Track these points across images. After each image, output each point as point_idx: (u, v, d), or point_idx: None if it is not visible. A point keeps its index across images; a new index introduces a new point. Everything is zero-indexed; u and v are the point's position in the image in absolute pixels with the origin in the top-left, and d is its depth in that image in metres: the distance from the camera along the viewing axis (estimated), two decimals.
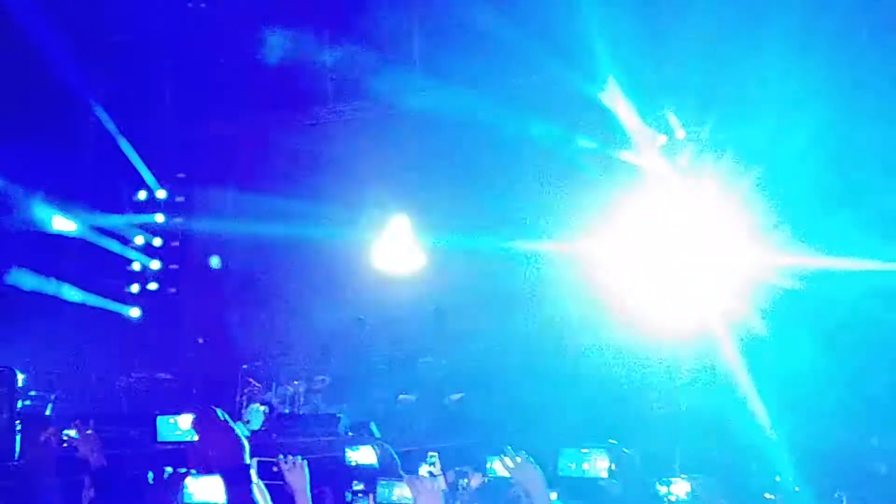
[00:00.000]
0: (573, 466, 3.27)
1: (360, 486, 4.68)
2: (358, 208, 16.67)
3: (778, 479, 7.18)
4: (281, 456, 3.50)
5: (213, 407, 2.25)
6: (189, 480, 3.52)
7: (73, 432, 4.02)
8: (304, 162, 16.87)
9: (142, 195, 18.91)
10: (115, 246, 18.29)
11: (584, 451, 3.31)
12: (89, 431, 3.92)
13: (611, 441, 2.95)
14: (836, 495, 4.81)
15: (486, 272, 14.75)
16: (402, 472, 4.46)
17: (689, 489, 3.39)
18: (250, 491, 2.14)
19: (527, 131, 14.44)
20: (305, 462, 3.64)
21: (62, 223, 16.47)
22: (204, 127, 18.92)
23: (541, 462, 3.33)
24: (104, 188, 17.85)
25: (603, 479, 3.15)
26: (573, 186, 14.43)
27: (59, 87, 16.05)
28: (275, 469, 3.60)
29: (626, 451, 2.96)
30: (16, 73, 15.26)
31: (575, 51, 13.16)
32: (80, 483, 3.89)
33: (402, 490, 3.87)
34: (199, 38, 17.04)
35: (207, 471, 3.49)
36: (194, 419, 2.24)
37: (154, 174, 18.75)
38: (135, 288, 18.63)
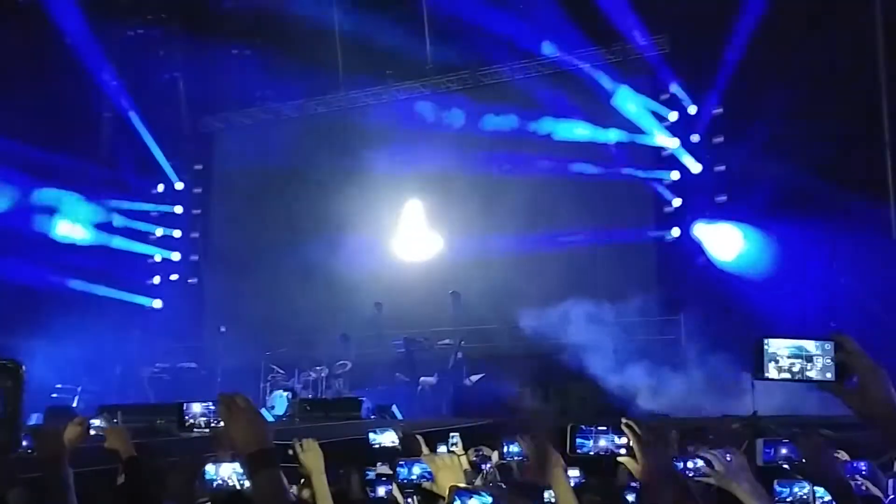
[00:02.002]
0: (590, 444, 3.27)
1: (385, 469, 4.72)
2: (375, 193, 16.75)
3: None
4: (295, 438, 3.50)
5: (238, 392, 2.29)
6: (211, 466, 3.60)
7: (97, 421, 4.11)
8: (322, 149, 16.93)
9: (160, 187, 19.06)
10: (135, 238, 18.45)
11: (601, 428, 3.31)
12: (116, 421, 4.01)
13: (627, 419, 2.96)
14: None
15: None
16: (424, 451, 4.51)
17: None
18: (275, 476, 2.19)
19: None
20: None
21: (69, 229, 16.56)
22: (221, 118, 19.06)
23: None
24: (123, 180, 17.98)
25: (622, 455, 3.15)
26: None
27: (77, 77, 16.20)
28: (290, 452, 3.62)
29: (644, 426, 2.98)
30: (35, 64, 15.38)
31: None
32: (106, 472, 3.98)
33: (421, 468, 3.90)
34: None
35: (231, 456, 3.57)
36: (219, 405, 2.28)
37: (172, 166, 18.89)
38: (156, 279, 18.83)
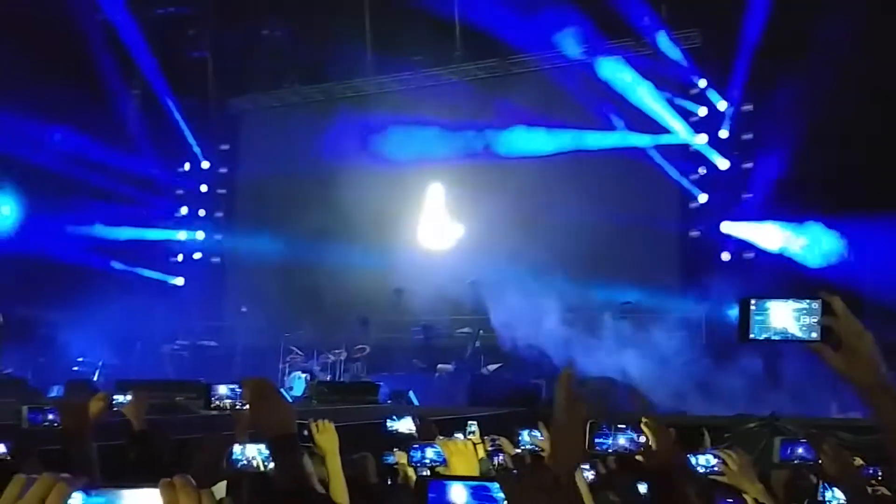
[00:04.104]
0: (609, 441, 3.26)
1: (402, 456, 4.74)
2: (400, 179, 16.78)
3: None
4: (311, 419, 3.51)
5: (263, 377, 2.32)
6: (238, 446, 3.64)
7: (121, 397, 4.16)
8: (347, 132, 16.95)
9: (186, 166, 19.18)
10: (161, 215, 18.61)
11: (620, 426, 3.30)
12: (141, 396, 4.06)
13: (644, 417, 2.96)
14: None
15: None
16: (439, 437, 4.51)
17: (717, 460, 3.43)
18: (299, 459, 2.21)
19: None
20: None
21: None
22: (249, 99, 19.13)
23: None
24: (148, 159, 18.10)
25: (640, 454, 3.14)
26: None
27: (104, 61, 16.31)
28: (305, 432, 3.63)
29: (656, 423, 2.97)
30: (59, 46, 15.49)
31: None
32: (121, 448, 4.03)
33: (434, 452, 3.91)
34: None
35: (255, 438, 3.61)
36: (244, 388, 2.31)
37: (199, 145, 19.00)
38: (179, 258, 18.98)
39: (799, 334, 1.89)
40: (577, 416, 2.03)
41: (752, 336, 1.91)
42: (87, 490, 1.41)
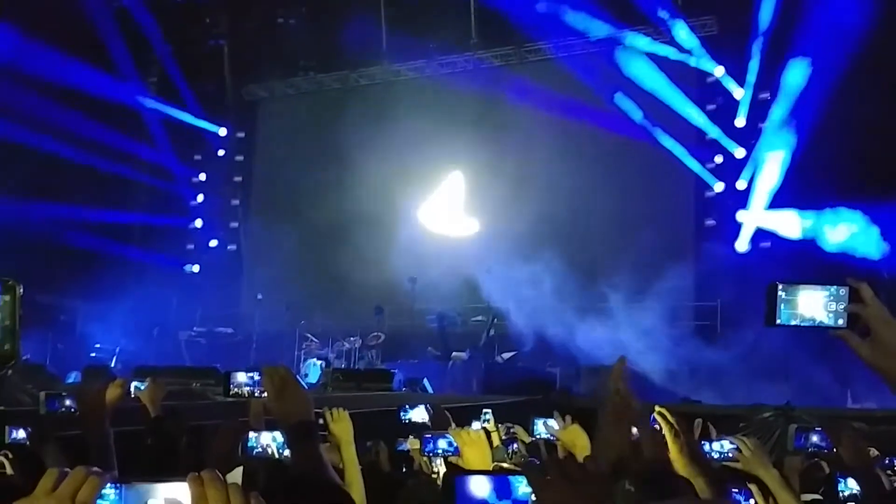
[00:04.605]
0: None
1: (416, 443, 4.75)
2: (415, 167, 16.78)
3: None
4: (326, 407, 3.52)
5: (282, 365, 2.34)
6: (253, 434, 3.67)
7: (139, 384, 4.20)
8: (363, 120, 16.96)
9: (202, 154, 19.24)
10: (177, 203, 18.69)
11: None
12: (160, 383, 4.09)
13: (658, 407, 2.96)
14: None
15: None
16: (452, 426, 4.53)
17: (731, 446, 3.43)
18: (316, 447, 2.23)
19: None
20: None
21: None
22: (265, 87, 19.16)
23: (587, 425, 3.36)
24: (164, 146, 18.18)
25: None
26: None
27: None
28: (320, 421, 3.64)
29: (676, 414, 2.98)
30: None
31: None
32: (136, 434, 4.07)
33: (447, 441, 3.92)
34: None
35: (271, 426, 3.63)
36: (263, 377, 2.33)
37: (214, 133, 19.05)
38: (195, 245, 19.07)
39: (826, 321, 1.87)
40: (627, 410, 2.03)
41: (779, 321, 1.90)
42: (120, 484, 1.44)
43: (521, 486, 1.66)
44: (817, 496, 4.01)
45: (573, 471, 1.50)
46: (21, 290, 1.68)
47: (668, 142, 14.92)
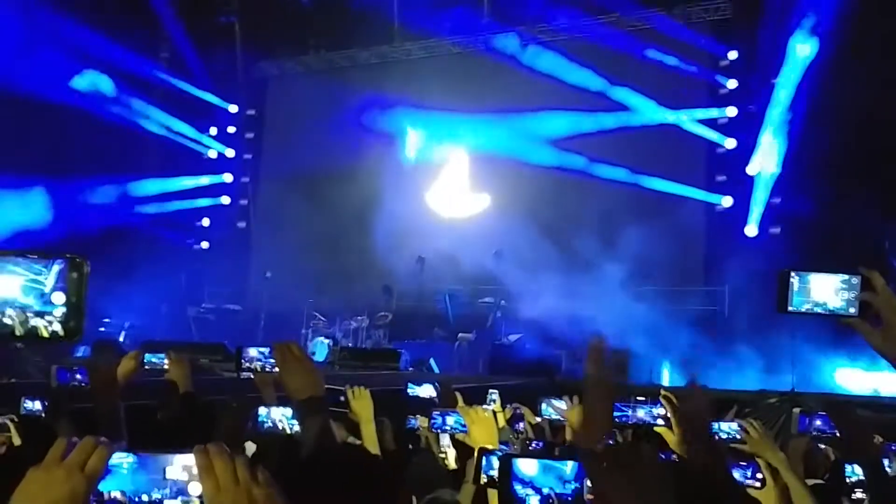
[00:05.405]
0: (629, 413, 3.31)
1: (425, 420, 4.79)
2: (425, 147, 16.77)
3: None
4: (348, 385, 3.55)
5: (292, 340, 2.37)
6: (264, 408, 3.70)
7: (152, 357, 4.23)
8: (372, 102, 16.92)
9: (213, 131, 19.23)
10: (185, 180, 18.70)
11: (639, 398, 3.35)
12: (184, 358, 4.11)
13: (663, 391, 2.99)
14: None
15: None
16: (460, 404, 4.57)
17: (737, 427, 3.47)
18: (325, 423, 2.26)
19: None
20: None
21: None
22: (276, 65, 19.12)
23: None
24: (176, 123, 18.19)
25: (659, 426, 3.18)
26: None
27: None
28: (342, 398, 3.68)
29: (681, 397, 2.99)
30: None
31: None
32: (151, 408, 4.10)
33: (455, 418, 3.95)
34: None
35: (283, 401, 3.66)
36: (274, 352, 2.36)
37: (225, 110, 19.05)
38: (205, 222, 19.10)
39: (838, 309, 1.90)
40: (606, 389, 2.06)
41: (791, 308, 1.92)
42: (137, 452, 1.48)
43: (566, 468, 1.87)
44: (819, 481, 4.05)
45: (626, 457, 1.52)
46: (88, 268, 1.70)
47: (680, 125, 14.89)
